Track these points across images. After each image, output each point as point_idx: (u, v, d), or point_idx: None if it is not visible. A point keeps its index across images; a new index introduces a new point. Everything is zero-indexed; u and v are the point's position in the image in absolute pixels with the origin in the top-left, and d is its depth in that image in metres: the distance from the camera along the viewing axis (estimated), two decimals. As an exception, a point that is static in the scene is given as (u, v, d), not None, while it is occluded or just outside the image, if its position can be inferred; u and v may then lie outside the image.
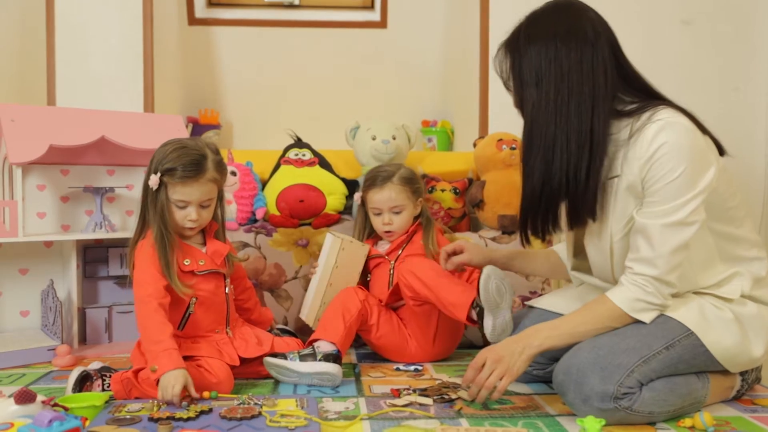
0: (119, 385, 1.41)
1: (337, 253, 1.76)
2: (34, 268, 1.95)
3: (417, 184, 1.88)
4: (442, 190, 2.20)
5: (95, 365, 1.49)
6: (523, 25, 1.34)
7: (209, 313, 1.58)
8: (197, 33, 3.23)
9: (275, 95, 3.22)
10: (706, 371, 1.32)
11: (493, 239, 2.10)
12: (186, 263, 1.55)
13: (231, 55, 3.25)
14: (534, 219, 1.36)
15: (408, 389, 1.46)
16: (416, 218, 1.88)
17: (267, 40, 3.25)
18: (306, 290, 1.86)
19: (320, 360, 1.53)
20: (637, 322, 1.28)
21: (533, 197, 1.34)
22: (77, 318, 1.91)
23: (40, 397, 1.15)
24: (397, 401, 1.38)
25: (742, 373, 1.39)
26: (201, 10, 3.25)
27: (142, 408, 1.30)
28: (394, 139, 2.12)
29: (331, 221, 2.10)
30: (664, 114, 1.25)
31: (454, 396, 1.40)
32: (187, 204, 1.52)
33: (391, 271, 1.81)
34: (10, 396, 1.15)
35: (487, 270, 1.54)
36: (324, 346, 1.57)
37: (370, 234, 1.92)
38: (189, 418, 1.22)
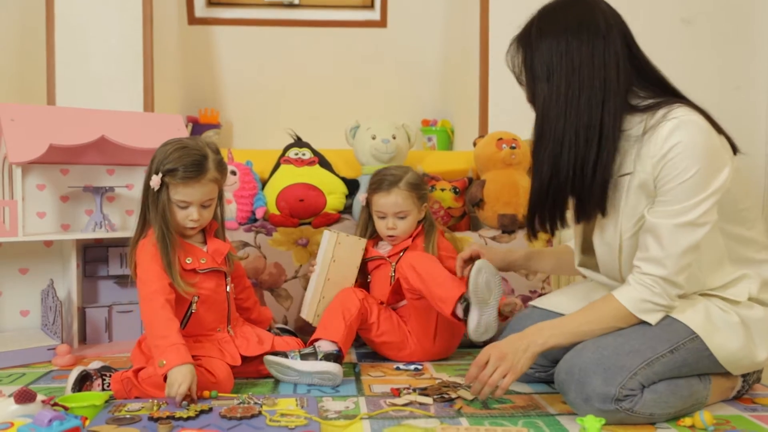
0: (119, 384, 1.41)
1: (334, 247, 1.76)
2: (34, 268, 1.95)
3: (423, 189, 1.87)
4: (442, 190, 2.20)
5: (95, 365, 1.49)
6: (535, 19, 1.33)
7: (211, 312, 1.58)
8: (197, 32, 3.23)
9: (275, 94, 3.22)
10: (709, 373, 1.32)
11: (493, 238, 2.10)
12: (188, 261, 1.55)
13: (231, 55, 3.25)
14: (542, 213, 1.34)
15: (408, 388, 1.46)
16: (419, 222, 1.88)
17: (267, 39, 3.25)
18: (306, 289, 1.86)
19: (321, 359, 1.53)
20: (643, 322, 1.27)
21: (541, 191, 1.32)
22: (77, 317, 1.91)
23: (40, 397, 1.15)
24: (397, 400, 1.38)
25: (743, 375, 1.39)
26: (201, 10, 3.25)
27: (142, 407, 1.30)
28: (394, 138, 2.12)
29: (330, 220, 2.10)
30: (679, 112, 1.23)
31: (454, 395, 1.40)
32: (189, 204, 1.52)
33: (393, 273, 1.81)
34: (10, 395, 1.15)
35: (480, 263, 1.54)
36: (325, 346, 1.57)
37: (371, 235, 1.92)
38: (189, 418, 1.22)
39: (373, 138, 2.12)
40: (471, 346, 1.91)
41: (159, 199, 1.51)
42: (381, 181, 1.84)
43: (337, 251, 1.77)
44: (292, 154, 2.17)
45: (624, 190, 1.29)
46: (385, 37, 3.30)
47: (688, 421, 1.25)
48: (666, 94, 1.31)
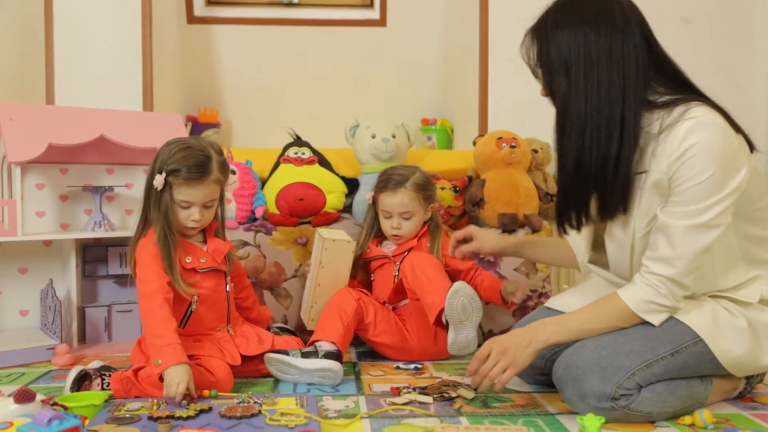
0: (119, 384, 1.41)
1: (320, 253, 1.75)
2: (34, 268, 1.95)
3: (430, 190, 1.87)
4: (442, 188, 2.19)
5: (95, 364, 1.49)
6: (550, 11, 1.30)
7: (211, 311, 1.58)
8: (196, 31, 3.23)
9: (274, 93, 3.21)
10: (710, 375, 1.30)
11: (493, 237, 2.10)
12: (188, 261, 1.55)
13: (230, 54, 3.25)
14: (568, 209, 1.32)
15: (408, 387, 1.46)
16: (425, 222, 1.88)
17: (266, 38, 3.25)
18: (305, 288, 1.86)
19: (322, 357, 1.54)
20: (646, 322, 1.26)
21: (565, 186, 1.30)
22: (77, 317, 1.91)
23: (39, 396, 1.15)
24: (396, 400, 1.38)
25: (746, 376, 1.38)
26: (200, 9, 3.25)
27: (142, 407, 1.30)
28: (393, 137, 2.12)
29: (330, 220, 2.10)
30: (697, 112, 1.21)
31: (454, 394, 1.40)
32: (191, 204, 1.52)
33: (396, 273, 1.82)
34: (9, 395, 1.15)
35: (456, 286, 1.53)
36: (325, 346, 1.58)
37: (377, 233, 1.92)
38: (189, 417, 1.22)
39: (373, 137, 2.11)
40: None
41: (161, 199, 1.51)
42: (388, 181, 1.84)
43: (325, 257, 1.75)
44: (291, 153, 2.17)
45: (638, 188, 1.27)
46: (385, 36, 3.30)
47: (687, 419, 1.25)
48: (684, 90, 1.28)
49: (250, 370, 1.58)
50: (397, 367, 1.68)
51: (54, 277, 1.89)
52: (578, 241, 1.55)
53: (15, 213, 1.76)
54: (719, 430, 1.21)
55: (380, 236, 1.91)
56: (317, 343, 1.59)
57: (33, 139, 1.78)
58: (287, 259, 2.01)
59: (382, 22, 3.31)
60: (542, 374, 1.46)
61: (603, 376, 1.21)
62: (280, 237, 2.03)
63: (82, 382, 1.41)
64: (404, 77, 3.28)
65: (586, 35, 1.23)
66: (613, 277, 1.40)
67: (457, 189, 2.20)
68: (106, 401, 1.33)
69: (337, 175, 2.18)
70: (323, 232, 1.80)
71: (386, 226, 1.85)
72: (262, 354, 1.56)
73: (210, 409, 1.27)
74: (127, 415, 1.24)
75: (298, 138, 2.24)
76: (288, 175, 2.12)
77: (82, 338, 1.95)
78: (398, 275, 1.80)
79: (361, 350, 1.87)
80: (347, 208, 2.18)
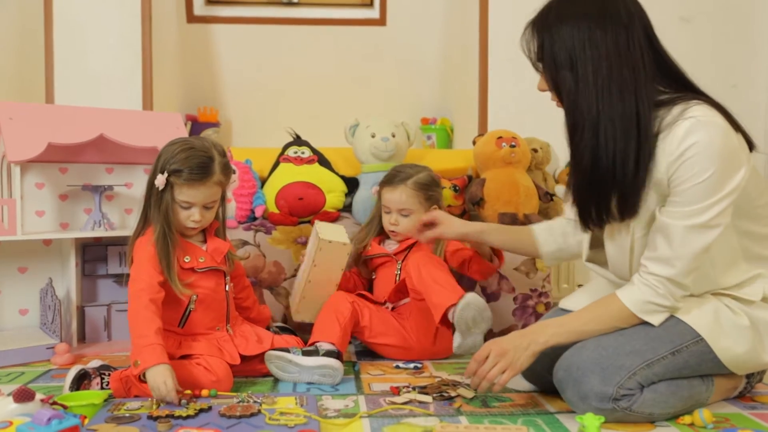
0: (118, 383, 1.41)
1: (315, 251, 1.73)
2: (33, 267, 1.95)
3: (432, 191, 1.86)
4: (442, 188, 2.19)
5: (94, 363, 1.48)
6: (553, 3, 1.27)
7: (209, 311, 1.58)
8: (196, 31, 3.23)
9: (274, 93, 3.21)
10: (711, 374, 1.30)
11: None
12: (186, 260, 1.54)
13: (230, 53, 3.25)
14: (588, 208, 1.28)
15: (407, 387, 1.46)
16: None
17: (266, 37, 3.25)
18: (297, 283, 1.84)
19: (323, 356, 1.54)
20: (647, 322, 1.26)
21: (583, 184, 1.27)
22: (76, 316, 1.90)
23: (38, 396, 1.15)
24: (396, 399, 1.38)
25: (747, 375, 1.37)
26: (200, 8, 3.24)
27: (141, 406, 1.30)
28: (393, 136, 2.12)
29: (330, 219, 2.10)
30: (696, 111, 1.20)
31: (453, 394, 1.40)
32: (192, 205, 1.52)
33: (398, 272, 1.82)
34: (8, 394, 1.14)
35: (468, 298, 1.52)
36: (325, 345, 1.59)
37: (381, 230, 1.92)
38: (188, 416, 1.22)
39: (373, 136, 2.11)
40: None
41: (162, 198, 1.51)
42: (393, 177, 1.86)
43: (319, 256, 1.73)
44: (291, 152, 2.17)
45: None
46: (385, 36, 3.30)
47: (687, 419, 1.25)
48: (683, 88, 1.28)
49: (250, 370, 1.58)
50: (397, 367, 1.68)
51: (53, 277, 1.89)
52: (548, 235, 1.57)
53: (14, 212, 1.76)
54: (719, 429, 1.21)
55: (382, 234, 1.92)
56: (317, 344, 1.59)
57: (32, 138, 1.78)
58: (287, 259, 2.01)
59: (381, 21, 3.31)
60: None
61: (604, 377, 1.21)
62: (279, 236, 2.03)
63: (81, 381, 1.41)
64: (404, 76, 3.28)
65: (591, 30, 1.21)
66: (612, 276, 1.40)
67: (457, 188, 2.20)
68: (105, 400, 1.33)
69: (336, 174, 2.18)
70: (321, 229, 1.76)
71: (385, 220, 1.87)
72: (262, 354, 1.56)
73: (209, 408, 1.27)
74: (127, 415, 1.24)
75: (298, 137, 2.24)
76: (288, 174, 2.12)
77: (82, 337, 1.95)
78: (400, 273, 1.80)
79: (361, 349, 1.87)
80: (347, 208, 2.18)
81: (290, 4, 3.29)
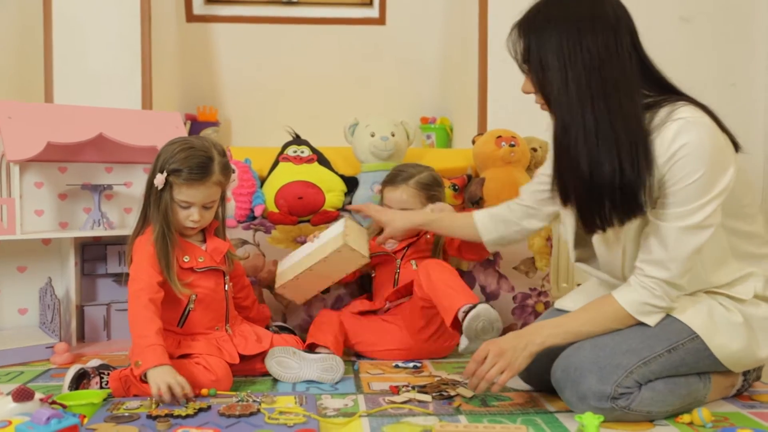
0: (118, 382, 1.41)
1: (332, 251, 1.71)
2: (32, 266, 1.95)
3: (434, 190, 1.87)
4: (444, 187, 2.19)
5: (93, 363, 1.48)
6: (540, 5, 1.26)
7: (209, 311, 1.58)
8: (195, 30, 3.23)
9: (274, 92, 3.21)
10: (708, 372, 1.31)
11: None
12: (185, 260, 1.54)
13: (229, 52, 3.25)
14: (591, 215, 1.25)
15: (407, 386, 1.46)
16: None
17: (265, 36, 3.25)
18: (298, 261, 1.81)
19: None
20: (642, 323, 1.27)
21: (584, 188, 1.23)
22: (75, 316, 1.90)
23: (38, 395, 1.15)
24: (395, 398, 1.38)
25: (744, 372, 1.38)
26: (199, 7, 3.24)
27: (141, 405, 1.30)
28: (392, 135, 2.12)
29: (329, 218, 2.09)
30: (684, 112, 1.20)
31: (452, 393, 1.40)
32: (191, 205, 1.52)
33: (398, 270, 1.81)
34: (8, 394, 1.15)
35: (479, 309, 1.50)
36: (322, 348, 1.61)
37: (381, 228, 1.91)
38: (187, 416, 1.22)
39: (372, 135, 2.11)
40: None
41: (162, 198, 1.51)
42: (395, 176, 1.87)
43: (334, 256, 1.71)
44: (290, 151, 2.17)
45: None
46: (384, 35, 3.30)
47: (686, 417, 1.25)
48: (666, 91, 1.28)
49: (249, 369, 1.58)
50: (396, 366, 1.68)
51: (53, 276, 1.89)
52: (488, 222, 1.60)
53: (14, 211, 1.76)
54: (718, 428, 1.21)
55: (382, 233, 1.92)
56: (313, 346, 1.62)
57: (32, 138, 1.78)
58: (286, 258, 2.01)
59: (381, 20, 3.31)
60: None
61: (601, 376, 1.21)
62: (279, 235, 2.03)
63: (80, 380, 1.41)
64: (403, 76, 3.28)
65: (580, 32, 1.21)
66: (605, 276, 1.40)
67: (457, 188, 2.19)
68: (104, 400, 1.33)
69: (336, 173, 2.17)
70: (349, 231, 1.74)
71: None
72: (261, 353, 1.56)
73: (209, 407, 1.27)
74: (126, 414, 1.24)
75: (298, 136, 2.23)
76: (287, 173, 2.12)
77: (81, 337, 1.95)
78: (399, 272, 1.80)
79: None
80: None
81: (290, 3, 3.29)
